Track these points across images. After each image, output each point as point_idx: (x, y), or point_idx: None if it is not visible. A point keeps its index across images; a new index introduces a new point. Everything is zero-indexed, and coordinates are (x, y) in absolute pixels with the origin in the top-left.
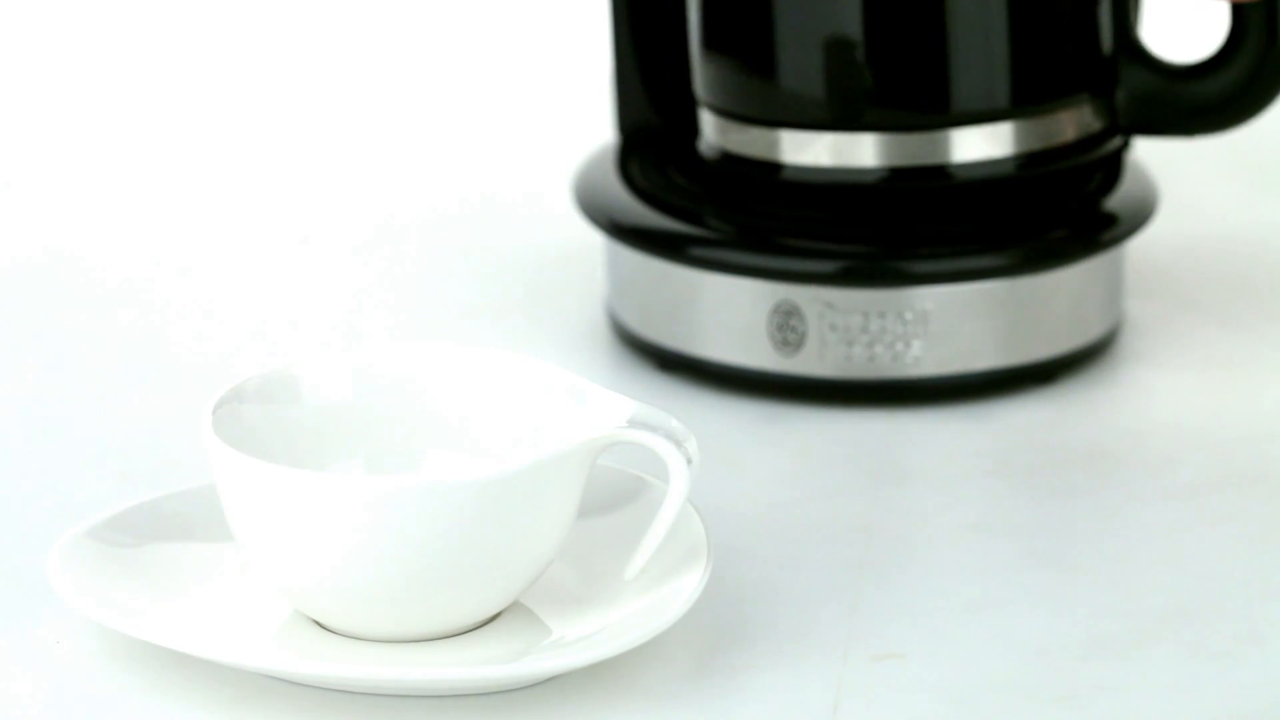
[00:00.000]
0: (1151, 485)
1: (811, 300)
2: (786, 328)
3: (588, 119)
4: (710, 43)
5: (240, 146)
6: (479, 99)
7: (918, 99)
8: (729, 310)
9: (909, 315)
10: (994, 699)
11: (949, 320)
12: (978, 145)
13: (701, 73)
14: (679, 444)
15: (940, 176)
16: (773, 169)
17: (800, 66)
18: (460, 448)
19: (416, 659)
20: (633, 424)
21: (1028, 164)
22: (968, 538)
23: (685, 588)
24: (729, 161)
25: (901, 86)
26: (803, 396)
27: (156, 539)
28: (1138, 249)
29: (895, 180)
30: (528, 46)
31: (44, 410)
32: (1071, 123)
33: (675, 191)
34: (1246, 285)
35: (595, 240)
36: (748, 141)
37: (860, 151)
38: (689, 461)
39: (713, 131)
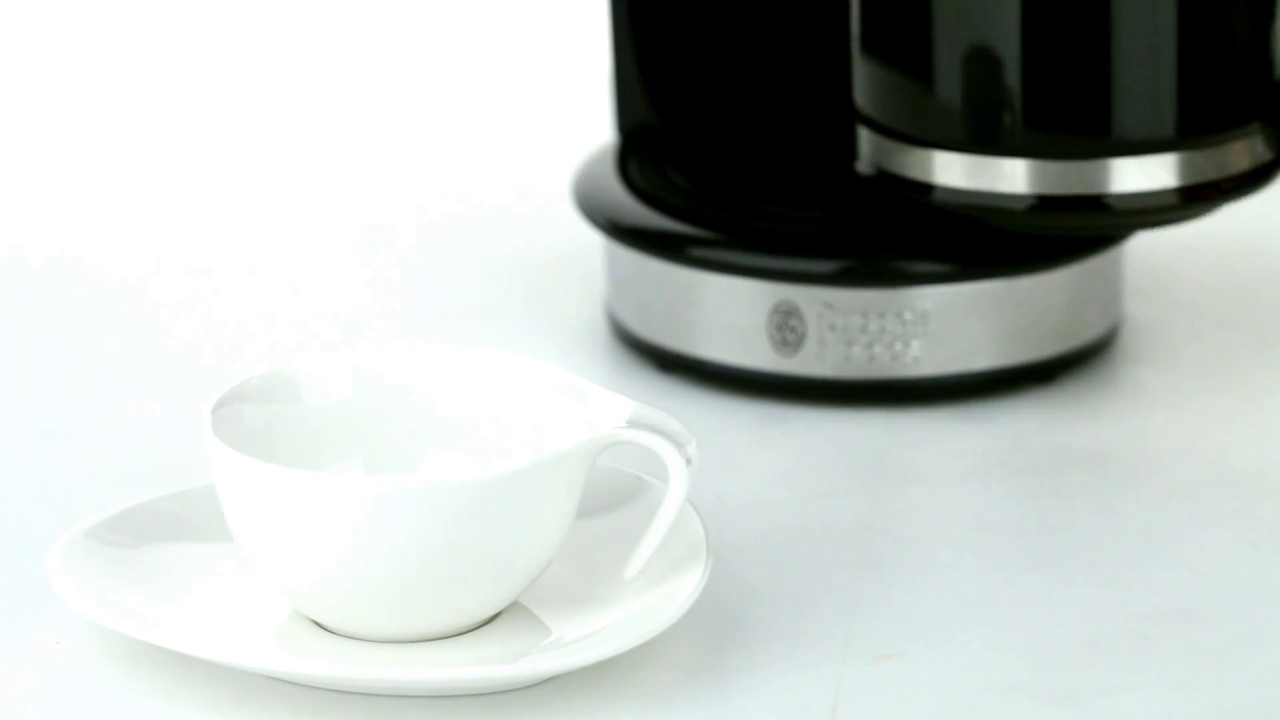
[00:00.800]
0: (1151, 485)
1: (811, 300)
2: (786, 328)
3: (587, 119)
4: (870, 51)
5: (240, 147)
6: (479, 99)
7: (1078, 124)
8: (729, 310)
9: (908, 315)
10: (994, 699)
11: (949, 320)
12: (1140, 175)
13: (861, 86)
14: (679, 444)
15: (1097, 207)
16: (924, 190)
17: (957, 85)
18: (460, 448)
19: (416, 659)
20: (632, 424)
21: (1192, 196)
22: (968, 538)
23: (685, 588)
24: (883, 178)
25: (1062, 110)
26: (802, 396)
27: (156, 539)
28: (1138, 249)
29: (1047, 207)
30: (527, 46)
31: (44, 410)
32: (1244, 152)
33: (675, 191)
34: (1246, 285)
35: (595, 240)
36: (902, 161)
37: (1012, 176)
38: (689, 462)
39: (867, 147)
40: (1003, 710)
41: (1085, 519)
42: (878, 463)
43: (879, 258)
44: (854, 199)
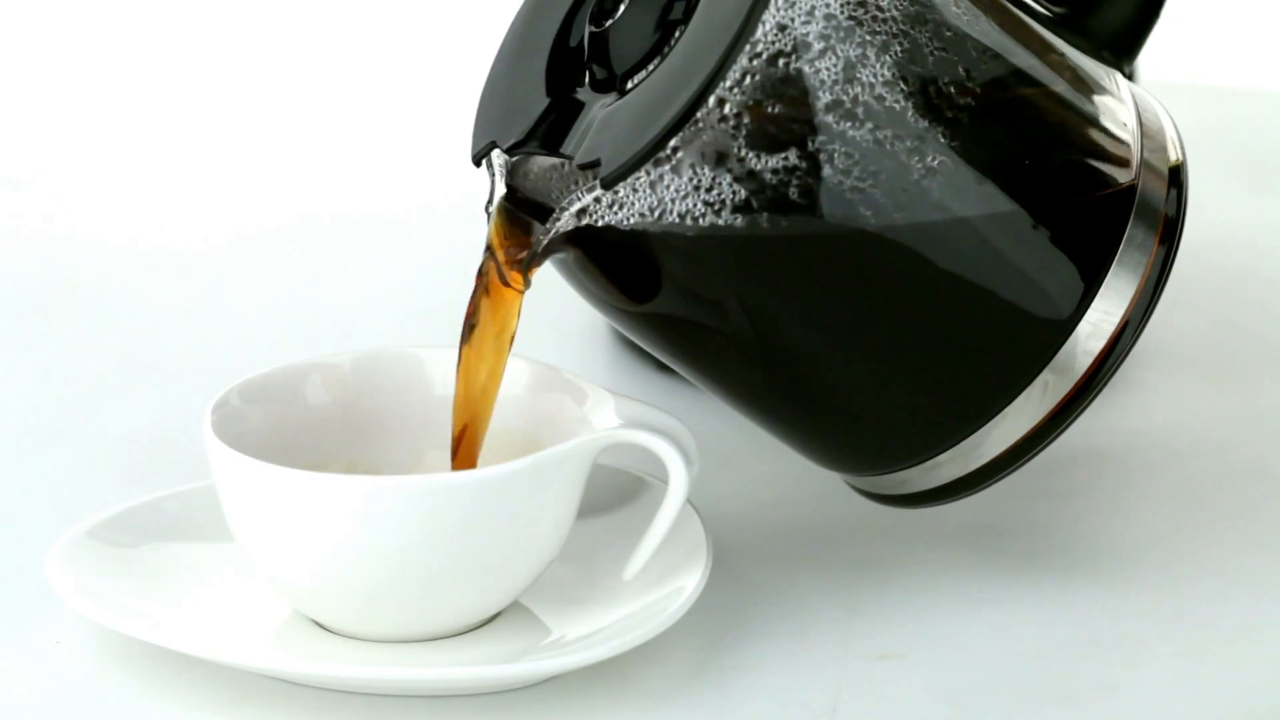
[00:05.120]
0: (1151, 485)
1: None
2: None
3: None
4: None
5: (240, 146)
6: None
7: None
8: None
9: None
10: (994, 699)
11: None
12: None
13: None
14: (678, 444)
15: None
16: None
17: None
18: None
19: (416, 659)
20: (632, 424)
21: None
22: (968, 538)
23: (685, 588)
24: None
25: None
26: None
27: (156, 539)
28: None
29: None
30: None
31: (44, 410)
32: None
33: None
34: (1246, 285)
35: None
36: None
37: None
38: (689, 462)
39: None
40: (1003, 710)
41: (1085, 519)
42: None
43: None
44: None
